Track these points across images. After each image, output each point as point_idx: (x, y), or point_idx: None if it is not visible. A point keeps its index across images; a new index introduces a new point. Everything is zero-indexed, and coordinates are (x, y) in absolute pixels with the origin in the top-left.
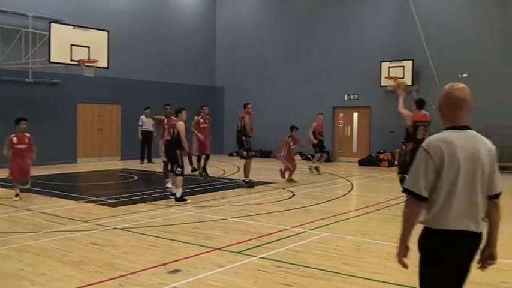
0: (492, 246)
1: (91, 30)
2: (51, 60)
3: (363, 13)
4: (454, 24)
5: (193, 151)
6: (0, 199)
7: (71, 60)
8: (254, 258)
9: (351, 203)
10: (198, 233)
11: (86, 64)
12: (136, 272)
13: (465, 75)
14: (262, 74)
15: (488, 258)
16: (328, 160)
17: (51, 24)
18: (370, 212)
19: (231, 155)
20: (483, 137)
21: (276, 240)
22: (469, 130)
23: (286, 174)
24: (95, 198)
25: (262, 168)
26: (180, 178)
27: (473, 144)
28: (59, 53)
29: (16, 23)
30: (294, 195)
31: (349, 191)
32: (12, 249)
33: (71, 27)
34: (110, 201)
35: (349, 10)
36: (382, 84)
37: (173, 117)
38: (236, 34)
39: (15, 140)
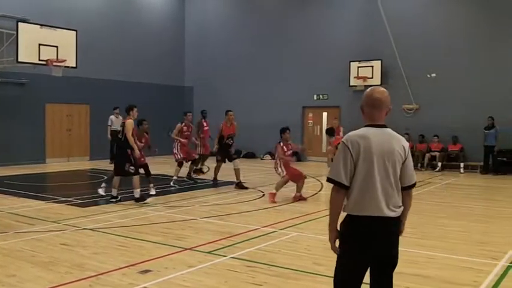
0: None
1: (59, 29)
2: (19, 59)
3: (331, 13)
4: (422, 25)
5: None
6: None
7: (39, 60)
8: (224, 258)
9: (321, 202)
10: (168, 233)
11: (54, 64)
12: (106, 272)
13: (433, 75)
14: (231, 74)
15: None
16: (298, 160)
17: (19, 23)
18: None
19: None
20: (397, 134)
21: (246, 240)
22: (385, 128)
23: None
24: (64, 199)
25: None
26: (135, 177)
27: (388, 140)
28: (26, 53)
29: None
30: (263, 195)
31: (319, 190)
32: None
33: (39, 26)
34: (79, 201)
35: (317, 10)
36: (351, 84)
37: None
38: (205, 34)
39: None
